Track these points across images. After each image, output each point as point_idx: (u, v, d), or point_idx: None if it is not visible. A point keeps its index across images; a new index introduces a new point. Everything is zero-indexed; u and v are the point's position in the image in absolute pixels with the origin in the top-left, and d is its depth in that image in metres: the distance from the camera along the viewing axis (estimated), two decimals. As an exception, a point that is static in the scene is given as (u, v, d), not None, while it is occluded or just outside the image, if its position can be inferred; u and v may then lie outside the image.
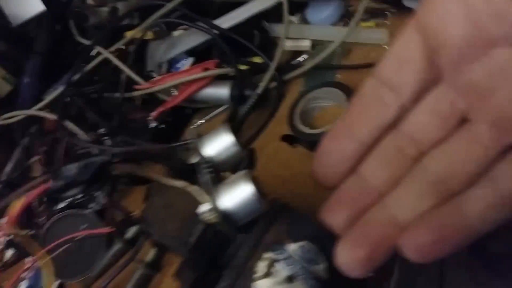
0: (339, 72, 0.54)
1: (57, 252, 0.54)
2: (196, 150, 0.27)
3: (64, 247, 0.56)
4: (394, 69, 0.20)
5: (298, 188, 0.48)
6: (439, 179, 0.19)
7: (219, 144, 0.27)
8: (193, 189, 0.28)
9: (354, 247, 0.20)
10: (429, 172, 0.20)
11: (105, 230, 0.54)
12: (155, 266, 0.53)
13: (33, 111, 0.63)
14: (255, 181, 0.25)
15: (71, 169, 0.22)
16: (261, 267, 0.28)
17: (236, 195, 0.24)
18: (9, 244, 0.68)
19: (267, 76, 0.55)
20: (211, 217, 0.26)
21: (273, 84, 0.57)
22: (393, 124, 0.20)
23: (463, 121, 0.19)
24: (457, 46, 0.17)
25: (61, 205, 0.64)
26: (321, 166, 0.21)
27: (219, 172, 0.28)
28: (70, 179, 0.22)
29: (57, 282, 0.60)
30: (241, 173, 0.25)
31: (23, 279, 0.63)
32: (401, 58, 0.19)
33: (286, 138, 0.52)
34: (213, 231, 0.27)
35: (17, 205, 0.23)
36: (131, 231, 0.57)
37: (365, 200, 0.21)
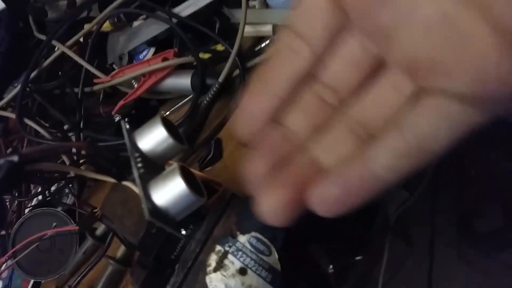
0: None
1: (27, 251, 0.54)
2: (128, 144, 0.26)
3: (34, 246, 0.56)
4: (303, 17, 0.19)
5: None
6: (358, 124, 0.19)
7: (152, 138, 0.27)
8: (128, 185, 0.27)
9: (277, 191, 0.19)
10: (348, 118, 0.19)
11: (73, 227, 0.54)
12: (126, 262, 0.53)
13: (-8, 111, 0.62)
14: (188, 172, 0.24)
15: None
16: (212, 260, 0.28)
17: (167, 191, 0.24)
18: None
19: (229, 63, 0.54)
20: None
21: (237, 72, 0.56)
22: (312, 75, 0.20)
23: (380, 65, 0.19)
24: None
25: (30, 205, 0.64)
26: (240, 123, 0.21)
27: (158, 166, 0.28)
28: None
29: (32, 281, 0.60)
30: (171, 167, 0.25)
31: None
32: (308, 5, 0.19)
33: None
34: (157, 227, 0.27)
35: None
36: (101, 228, 0.56)
37: (286, 147, 0.20)
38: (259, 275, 0.28)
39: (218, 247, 0.28)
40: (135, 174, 0.24)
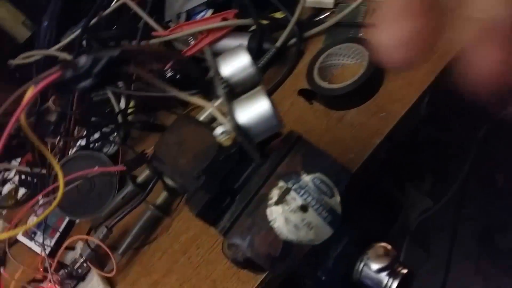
0: (362, 31, 0.53)
1: (68, 188, 0.56)
2: (212, 67, 0.27)
3: (74, 185, 0.57)
4: None
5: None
6: None
7: (235, 64, 0.27)
8: (210, 107, 0.27)
9: (405, 21, 0.17)
10: None
11: (117, 168, 0.55)
12: (165, 209, 0.54)
13: (50, 51, 0.63)
14: (270, 97, 0.25)
15: (81, 60, 0.22)
16: (275, 194, 0.28)
17: (252, 109, 0.24)
18: (21, 183, 0.70)
19: (287, 30, 0.54)
20: (226, 138, 0.26)
21: (293, 40, 0.56)
22: None
23: None
24: None
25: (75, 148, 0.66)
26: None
27: (235, 93, 0.28)
28: (81, 70, 0.21)
29: (66, 220, 0.61)
30: (257, 88, 0.25)
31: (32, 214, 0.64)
32: None
33: (303, 93, 0.52)
34: (226, 154, 0.27)
35: (28, 93, 0.23)
36: (143, 175, 0.57)
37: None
38: (319, 214, 0.28)
39: (281, 183, 0.28)
40: (221, 91, 0.25)
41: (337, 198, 0.28)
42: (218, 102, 0.27)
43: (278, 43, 0.54)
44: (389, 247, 0.28)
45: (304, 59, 0.56)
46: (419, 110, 0.46)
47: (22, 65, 0.66)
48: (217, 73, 0.27)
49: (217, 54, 0.61)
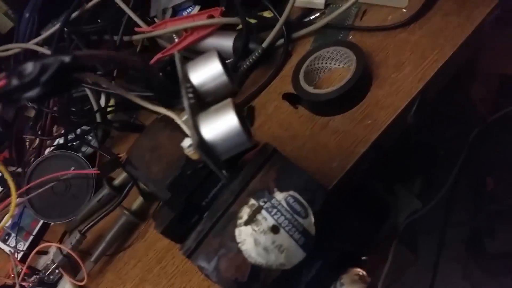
0: (352, 34, 0.51)
1: (41, 190, 0.53)
2: (180, 74, 0.24)
3: (48, 186, 0.55)
4: None
5: (296, 151, 0.46)
6: None
7: (206, 72, 0.25)
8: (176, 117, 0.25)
9: None
10: None
11: (91, 171, 0.52)
12: (140, 215, 0.52)
13: (29, 45, 0.61)
14: (240, 112, 0.23)
15: (28, 67, 0.19)
16: (245, 212, 0.26)
17: (218, 125, 0.22)
18: (-2, 181, 0.67)
19: (274, 30, 0.52)
20: (193, 152, 0.24)
21: (281, 41, 0.54)
22: None
23: None
24: None
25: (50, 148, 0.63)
26: None
27: (205, 103, 0.26)
28: (27, 78, 0.19)
29: (41, 222, 0.59)
30: (225, 101, 0.23)
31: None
32: None
33: (288, 97, 0.50)
34: (194, 168, 0.25)
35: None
36: (120, 178, 0.55)
37: None
38: (291, 236, 0.26)
39: (252, 201, 0.27)
40: (186, 102, 0.23)
41: (311, 218, 0.26)
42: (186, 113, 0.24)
43: (265, 44, 0.52)
44: (363, 273, 0.26)
45: (291, 61, 0.54)
46: (406, 119, 0.44)
47: (0, 58, 0.64)
48: (184, 81, 0.24)
49: (201, 53, 0.59)
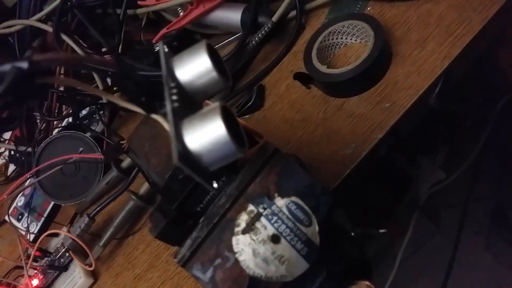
0: (370, 4, 0.46)
1: (50, 172, 0.53)
2: (163, 70, 0.22)
3: (58, 168, 0.54)
4: None
5: (307, 135, 0.43)
6: None
7: (194, 68, 0.22)
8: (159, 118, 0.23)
9: None
10: None
11: (97, 155, 0.51)
12: (149, 199, 0.51)
13: (31, 21, 0.59)
14: (230, 116, 0.20)
15: None
16: (243, 220, 0.24)
17: (204, 133, 0.19)
18: (11, 159, 0.67)
19: (286, 2, 0.48)
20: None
21: (293, 13, 0.50)
22: None
23: None
24: None
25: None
26: None
27: (195, 104, 0.23)
28: None
29: (52, 203, 0.59)
30: (213, 105, 0.20)
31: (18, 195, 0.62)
32: None
33: (299, 77, 0.46)
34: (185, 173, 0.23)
35: None
36: (127, 161, 0.54)
37: None
38: (293, 246, 0.24)
39: (251, 207, 0.24)
40: (168, 107, 0.20)
41: (315, 227, 0.24)
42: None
43: (275, 17, 0.48)
44: (372, 286, 0.24)
45: (304, 35, 0.50)
46: (428, 101, 0.41)
47: (4, 35, 0.62)
48: (168, 80, 0.22)
49: (208, 27, 0.56)
